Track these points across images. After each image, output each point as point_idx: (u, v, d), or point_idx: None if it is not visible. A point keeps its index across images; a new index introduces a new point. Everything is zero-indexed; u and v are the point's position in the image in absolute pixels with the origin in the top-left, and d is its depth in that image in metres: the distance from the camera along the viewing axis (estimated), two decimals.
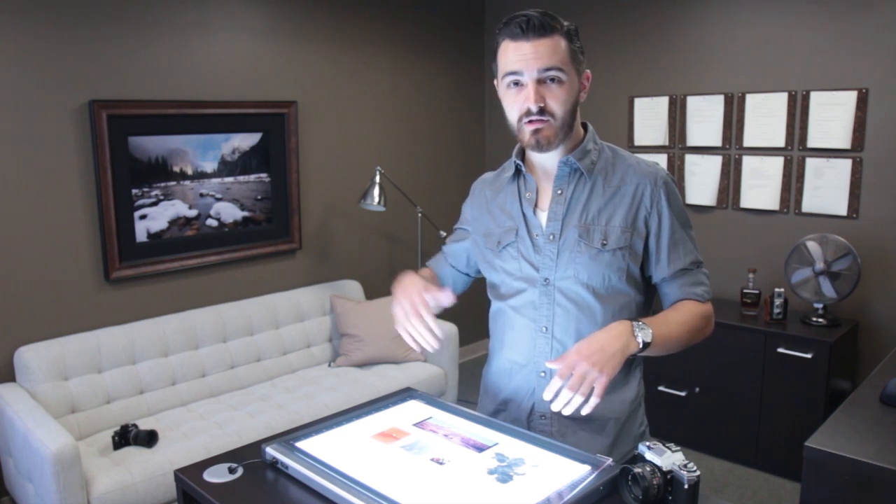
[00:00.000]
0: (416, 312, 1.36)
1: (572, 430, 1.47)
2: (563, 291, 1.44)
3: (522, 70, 1.34)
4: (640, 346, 1.31)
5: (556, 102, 1.35)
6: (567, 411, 1.25)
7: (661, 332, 1.35)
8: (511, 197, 1.52)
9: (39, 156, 2.86)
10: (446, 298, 1.39)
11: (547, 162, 1.46)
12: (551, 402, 1.28)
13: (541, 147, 1.39)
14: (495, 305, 1.57)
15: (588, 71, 1.42)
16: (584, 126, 1.49)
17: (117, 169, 3.02)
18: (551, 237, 1.44)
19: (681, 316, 1.42)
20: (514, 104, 1.38)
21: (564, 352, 1.43)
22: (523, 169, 1.50)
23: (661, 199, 1.43)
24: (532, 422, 1.50)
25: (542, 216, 1.47)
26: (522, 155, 1.51)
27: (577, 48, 1.38)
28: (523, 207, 1.49)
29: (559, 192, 1.45)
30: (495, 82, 1.45)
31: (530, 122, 1.36)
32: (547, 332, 1.46)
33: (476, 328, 4.49)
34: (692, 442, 3.47)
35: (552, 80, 1.34)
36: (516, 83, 1.37)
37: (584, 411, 1.25)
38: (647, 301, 1.52)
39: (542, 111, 1.35)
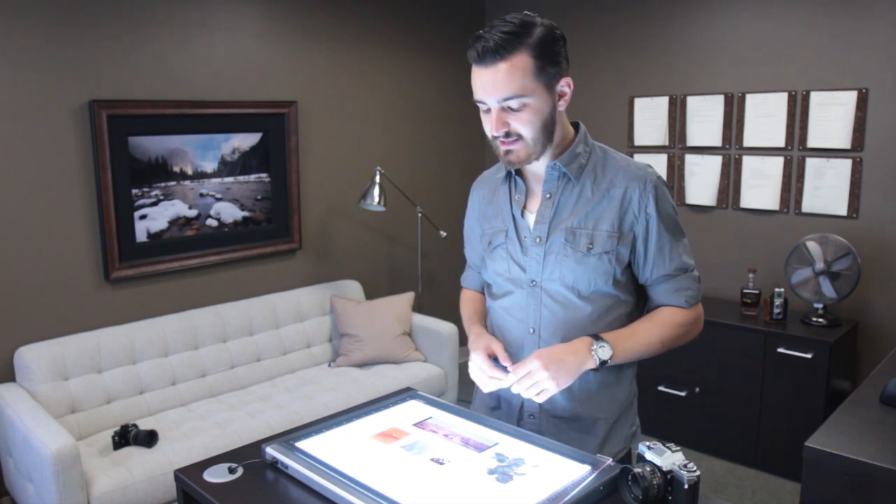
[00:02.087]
0: (482, 372, 1.44)
1: (561, 429, 1.48)
2: (550, 293, 1.45)
3: (484, 99, 1.35)
4: (597, 363, 1.36)
5: (521, 125, 1.34)
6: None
7: (625, 347, 1.40)
8: (503, 198, 1.53)
9: (39, 156, 2.86)
10: (504, 362, 1.44)
11: (536, 166, 1.46)
12: (520, 394, 1.39)
13: (513, 166, 1.41)
14: (487, 304, 1.60)
15: (568, 79, 1.38)
16: (577, 126, 1.48)
17: (117, 169, 3.02)
18: (538, 240, 1.45)
19: (652, 325, 1.44)
20: (486, 125, 1.39)
21: None
22: (513, 171, 1.51)
23: (649, 202, 1.42)
24: (522, 420, 1.52)
25: (531, 218, 1.48)
26: None
27: (550, 58, 1.32)
28: (513, 209, 1.50)
29: (548, 195, 1.46)
30: None
31: (502, 142, 1.38)
32: (534, 333, 1.47)
33: None
34: (692, 442, 3.47)
35: (515, 105, 1.33)
36: (484, 108, 1.38)
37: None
38: (638, 302, 1.52)
39: (507, 134, 1.35)
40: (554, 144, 1.41)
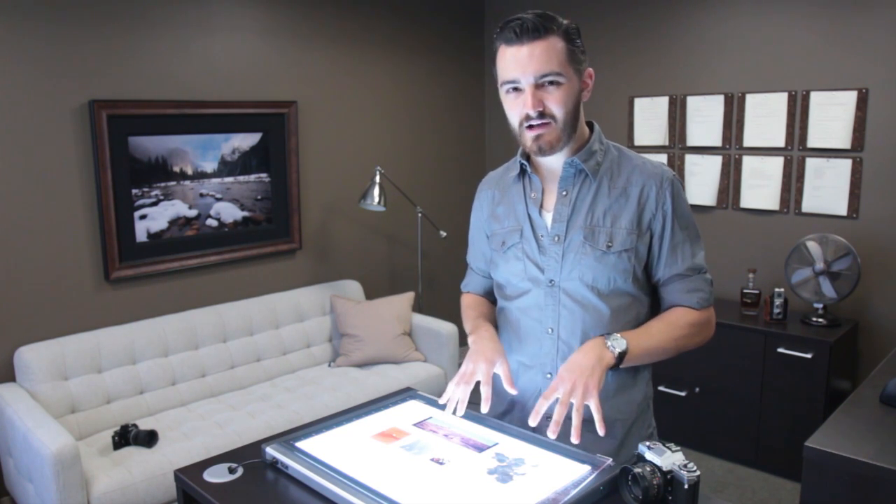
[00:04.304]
0: (468, 381, 1.40)
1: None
2: (568, 293, 1.43)
3: (519, 77, 1.33)
4: (616, 355, 1.34)
5: (556, 105, 1.34)
6: (552, 434, 1.28)
7: (640, 344, 1.37)
8: (516, 197, 1.51)
9: (39, 156, 2.86)
10: (508, 386, 1.41)
11: (552, 162, 1.45)
12: (540, 425, 1.33)
13: (543, 152, 1.38)
14: (501, 305, 1.57)
15: (590, 69, 1.40)
16: (591, 126, 1.48)
17: (117, 169, 3.02)
18: (556, 239, 1.43)
19: (665, 325, 1.43)
20: (514, 109, 1.37)
21: (570, 353, 1.43)
22: (528, 169, 1.49)
23: (666, 200, 1.42)
24: (539, 423, 1.50)
25: (548, 217, 1.46)
26: (528, 154, 1.50)
27: (577, 47, 1.36)
28: (528, 208, 1.48)
29: (564, 193, 1.44)
30: (498, 86, 1.43)
31: (531, 127, 1.35)
32: (552, 333, 1.45)
33: None
34: (692, 442, 3.47)
35: (550, 83, 1.33)
36: (515, 89, 1.35)
37: (600, 429, 1.28)
38: (655, 301, 1.51)
39: (541, 115, 1.33)
40: (573, 139, 1.41)
